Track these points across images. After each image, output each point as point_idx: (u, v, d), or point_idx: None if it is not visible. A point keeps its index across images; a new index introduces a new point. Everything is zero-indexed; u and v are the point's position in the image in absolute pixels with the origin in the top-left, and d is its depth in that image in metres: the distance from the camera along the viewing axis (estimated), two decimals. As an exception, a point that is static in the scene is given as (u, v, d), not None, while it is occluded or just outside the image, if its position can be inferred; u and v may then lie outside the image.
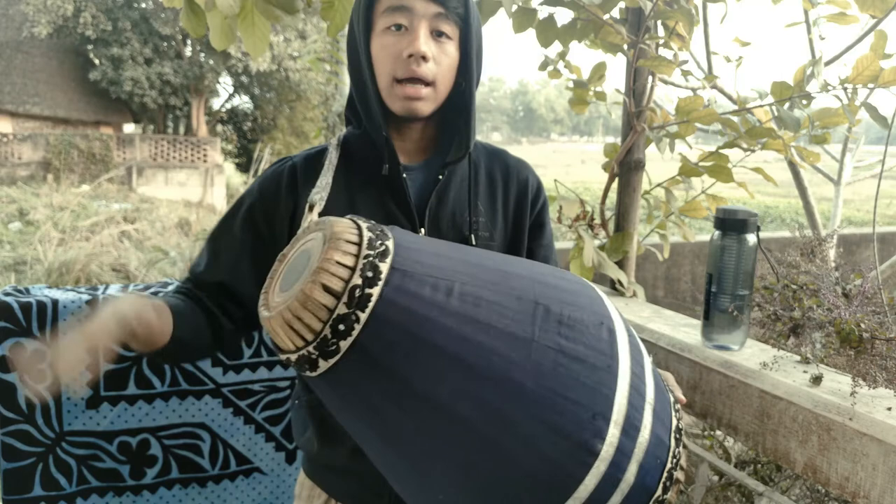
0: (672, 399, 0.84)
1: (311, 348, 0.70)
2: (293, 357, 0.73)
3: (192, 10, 1.61)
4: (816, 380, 1.08)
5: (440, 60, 0.96)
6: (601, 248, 1.77)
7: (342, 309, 0.68)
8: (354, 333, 0.69)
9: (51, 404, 1.25)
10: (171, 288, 1.16)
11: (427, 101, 0.97)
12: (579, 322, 0.75)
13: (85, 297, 1.27)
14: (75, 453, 1.28)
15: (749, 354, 1.23)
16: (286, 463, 1.46)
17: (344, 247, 0.71)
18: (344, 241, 0.71)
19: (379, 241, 0.73)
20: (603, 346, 0.75)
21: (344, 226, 0.74)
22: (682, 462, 0.81)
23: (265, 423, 1.42)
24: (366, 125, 1.01)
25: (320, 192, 0.98)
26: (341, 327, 0.69)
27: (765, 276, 1.28)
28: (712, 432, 1.71)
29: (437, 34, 0.96)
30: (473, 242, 1.02)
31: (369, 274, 0.69)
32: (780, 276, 1.25)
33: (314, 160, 1.05)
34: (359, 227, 0.74)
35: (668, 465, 0.78)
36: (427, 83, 0.96)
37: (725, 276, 1.21)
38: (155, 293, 1.32)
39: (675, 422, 0.81)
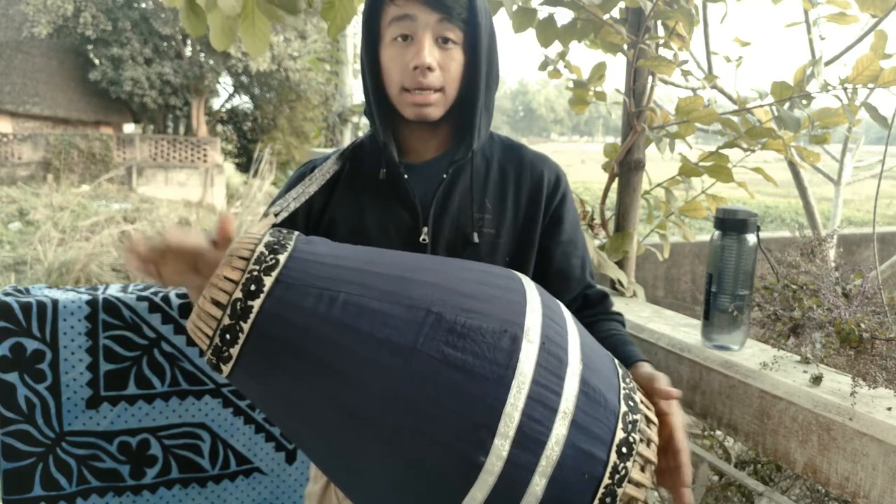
0: (622, 410, 0.79)
1: (210, 354, 0.78)
2: (206, 359, 0.80)
3: (192, 10, 1.61)
4: (816, 380, 1.08)
5: (447, 66, 0.98)
6: (601, 248, 1.77)
7: (226, 320, 0.76)
8: (240, 342, 0.76)
9: (51, 404, 1.25)
10: None
11: (437, 106, 1.00)
12: (474, 330, 0.75)
13: (85, 297, 1.27)
14: (75, 453, 1.28)
15: (749, 354, 1.23)
16: (286, 463, 1.46)
17: (234, 262, 0.78)
18: (235, 258, 0.78)
19: (271, 256, 0.78)
20: (498, 355, 0.74)
21: (243, 242, 0.81)
22: (637, 477, 0.77)
23: (265, 423, 1.42)
24: (372, 128, 1.06)
25: (286, 203, 1.01)
26: (228, 336, 0.76)
27: (765, 276, 1.28)
28: (712, 432, 1.71)
29: (443, 41, 0.97)
30: (476, 240, 1.02)
31: (252, 287, 0.76)
32: (780, 276, 1.25)
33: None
34: (257, 243, 0.80)
35: (607, 481, 0.75)
36: (435, 90, 0.98)
37: (725, 276, 1.21)
38: (155, 293, 1.32)
39: (619, 435, 0.77)
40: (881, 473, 0.95)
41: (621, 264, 1.76)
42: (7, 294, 1.24)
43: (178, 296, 1.33)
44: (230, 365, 0.77)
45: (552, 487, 0.73)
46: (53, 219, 9.71)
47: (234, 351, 0.76)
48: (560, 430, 0.74)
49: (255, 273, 0.76)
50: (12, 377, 1.22)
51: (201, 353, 0.82)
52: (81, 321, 1.26)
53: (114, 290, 1.33)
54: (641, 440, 0.79)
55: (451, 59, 0.98)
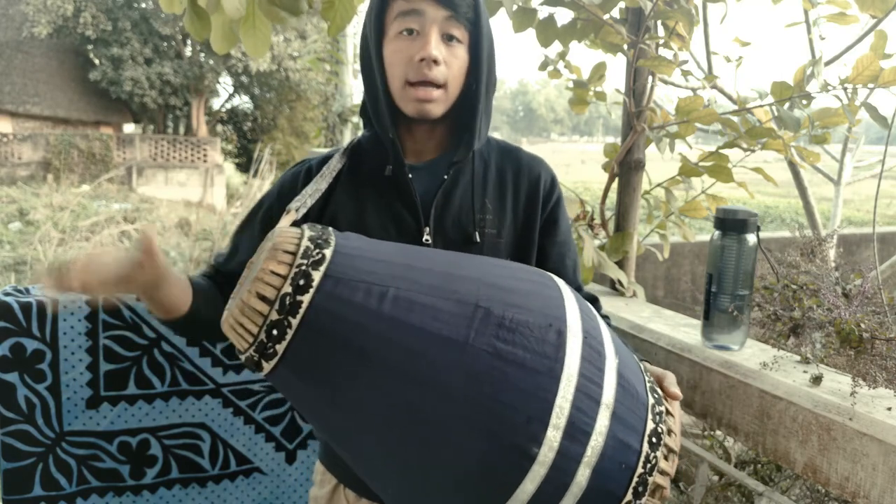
0: (650, 402, 0.82)
1: (252, 351, 0.76)
2: (243, 357, 0.78)
3: (195, 14, 1.61)
4: (816, 380, 1.08)
5: (451, 64, 0.99)
6: (601, 248, 1.77)
7: (274, 315, 0.74)
8: (287, 338, 0.75)
9: (51, 404, 1.25)
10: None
11: (438, 103, 1.00)
12: (522, 324, 0.76)
13: (85, 296, 1.27)
14: (75, 453, 1.28)
15: (749, 354, 1.23)
16: (286, 463, 1.46)
17: (280, 257, 0.77)
18: (281, 252, 0.77)
19: (317, 250, 0.77)
20: (546, 348, 0.75)
21: (285, 236, 0.79)
22: (664, 466, 0.79)
23: (265, 423, 1.42)
24: (376, 127, 1.05)
25: (304, 199, 1.01)
26: (275, 332, 0.74)
27: (765, 276, 1.28)
28: (712, 432, 1.71)
29: (448, 38, 0.98)
30: (478, 240, 1.03)
31: (301, 282, 0.75)
32: (780, 276, 1.25)
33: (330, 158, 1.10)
34: (300, 237, 0.79)
35: (640, 471, 0.77)
36: (438, 86, 0.98)
37: (725, 276, 1.21)
38: (155, 293, 1.32)
39: (650, 426, 0.79)
40: (881, 473, 0.95)
41: (621, 264, 1.76)
42: (7, 294, 1.24)
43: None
44: (274, 361, 0.76)
45: (595, 477, 0.75)
46: (53, 219, 9.71)
47: (281, 347, 0.75)
48: (603, 421, 0.76)
49: (304, 267, 0.75)
50: (12, 377, 1.22)
51: (237, 352, 0.81)
52: (81, 321, 1.26)
53: (114, 290, 1.33)
54: (667, 431, 0.82)
55: (455, 57, 0.99)
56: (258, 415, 1.41)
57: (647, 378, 0.85)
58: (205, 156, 18.82)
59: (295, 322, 0.74)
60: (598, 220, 1.85)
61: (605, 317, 1.13)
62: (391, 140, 1.02)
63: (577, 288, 1.13)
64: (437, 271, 0.80)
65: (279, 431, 1.44)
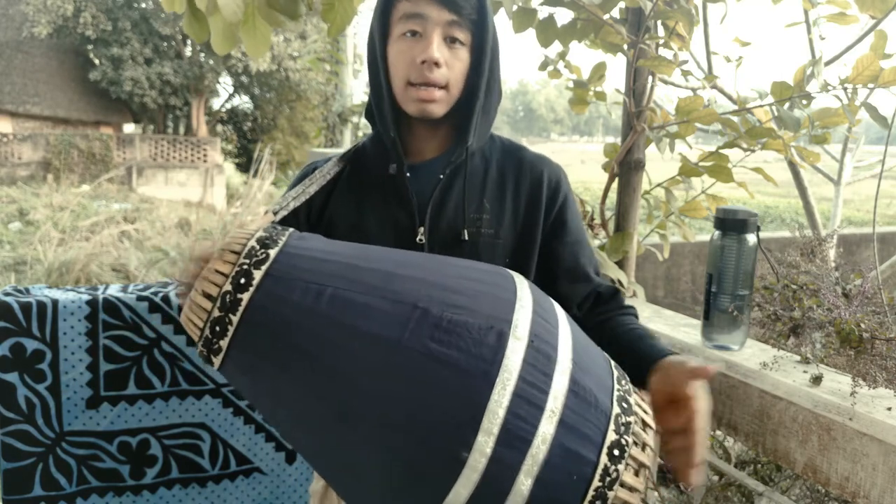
0: (615, 412, 0.77)
1: (201, 346, 0.80)
2: (197, 351, 0.82)
3: (194, 15, 1.61)
4: (816, 380, 1.08)
5: (453, 65, 1.00)
6: (601, 248, 1.77)
7: (216, 312, 0.77)
8: (229, 334, 0.77)
9: (51, 404, 1.25)
10: None
11: (440, 104, 1.01)
12: (460, 325, 0.75)
13: (85, 297, 1.27)
14: (75, 453, 1.28)
15: (749, 354, 1.23)
16: (286, 463, 1.46)
17: (226, 256, 0.80)
18: (227, 252, 0.80)
19: (262, 250, 0.80)
20: (483, 351, 0.74)
21: (235, 237, 0.82)
22: (630, 481, 0.75)
23: (265, 423, 1.42)
24: (379, 126, 1.06)
25: (286, 202, 1.02)
26: (217, 329, 0.78)
27: (765, 276, 1.28)
28: (712, 432, 1.71)
29: (451, 40, 0.99)
30: (466, 238, 1.03)
31: (241, 280, 0.78)
32: (780, 276, 1.25)
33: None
34: (249, 238, 0.82)
35: (597, 484, 0.73)
36: (440, 86, 1.00)
37: (725, 276, 1.21)
38: (155, 293, 1.32)
39: (611, 437, 0.75)
40: (881, 473, 0.95)
41: (621, 264, 1.76)
42: (7, 294, 1.24)
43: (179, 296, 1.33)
44: (220, 357, 0.78)
45: (539, 487, 0.72)
46: (53, 219, 9.71)
47: (224, 343, 0.77)
48: (547, 428, 0.73)
49: (245, 267, 0.78)
50: (12, 377, 1.22)
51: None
52: (81, 321, 1.26)
53: (114, 290, 1.33)
54: (636, 443, 0.77)
55: (458, 59, 1.00)
56: (258, 415, 1.41)
57: (618, 386, 0.81)
58: (205, 156, 18.81)
59: (235, 319, 0.77)
60: (598, 220, 1.85)
61: (630, 307, 1.10)
62: (392, 139, 1.03)
63: (597, 283, 1.11)
64: (382, 271, 0.81)
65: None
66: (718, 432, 1.55)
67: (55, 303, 1.24)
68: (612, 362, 0.87)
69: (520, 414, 0.72)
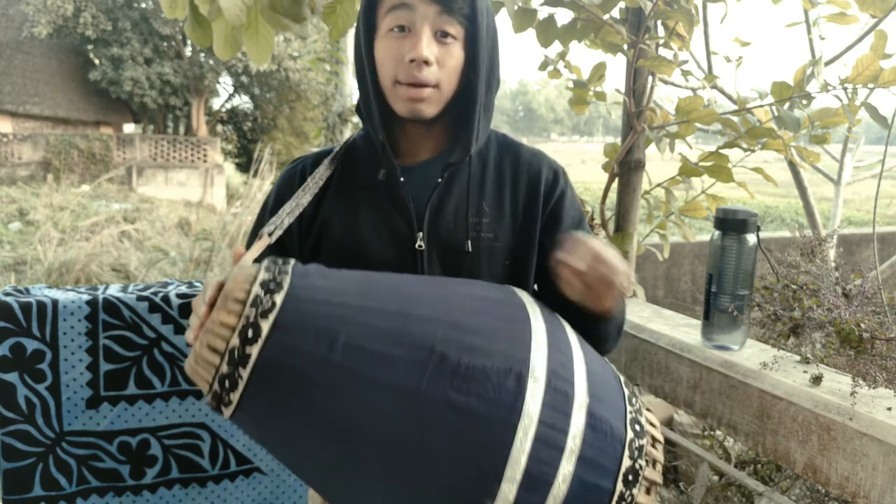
0: (629, 437, 0.78)
1: (210, 398, 0.76)
2: (206, 401, 0.78)
3: (197, 21, 1.60)
4: (816, 380, 1.08)
5: (444, 62, 0.94)
6: (601, 248, 1.77)
7: (224, 368, 0.73)
8: (240, 389, 0.73)
9: (51, 404, 1.25)
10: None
11: (431, 103, 0.95)
12: (479, 371, 0.73)
13: (85, 297, 1.27)
14: (75, 453, 1.28)
15: (749, 354, 1.23)
16: (286, 463, 1.47)
17: (230, 306, 0.74)
18: (231, 300, 0.75)
19: (267, 296, 0.74)
20: (504, 396, 0.73)
21: (237, 281, 0.76)
22: (643, 500, 0.77)
23: (265, 423, 1.42)
24: (368, 127, 1.01)
25: (281, 219, 0.97)
26: (227, 384, 0.74)
27: (765, 276, 1.28)
28: (712, 432, 1.71)
29: (442, 35, 0.93)
30: (469, 249, 0.99)
31: (249, 334, 0.73)
32: (780, 276, 1.25)
33: (324, 158, 1.06)
34: (252, 281, 0.76)
35: None
36: (431, 86, 0.94)
37: (725, 276, 1.21)
38: (155, 293, 1.32)
39: (626, 463, 0.77)
40: (881, 473, 0.95)
41: (621, 264, 1.76)
42: (7, 294, 1.24)
43: (178, 296, 1.33)
44: (231, 409, 0.75)
45: None
46: (53, 219, 9.71)
47: (235, 397, 0.74)
48: (567, 467, 0.73)
49: (252, 318, 0.73)
50: (12, 377, 1.22)
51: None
52: (81, 321, 1.26)
53: (114, 290, 1.33)
54: (648, 463, 0.79)
55: (450, 56, 0.94)
56: (258, 415, 1.41)
57: (630, 408, 0.82)
58: (205, 156, 18.81)
59: (245, 374, 0.73)
60: (598, 220, 1.85)
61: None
62: (381, 143, 0.98)
63: None
64: (393, 311, 0.77)
65: (279, 431, 1.44)
66: (718, 432, 1.55)
67: (55, 303, 1.24)
68: (622, 378, 0.87)
69: (541, 458, 0.72)
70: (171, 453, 1.36)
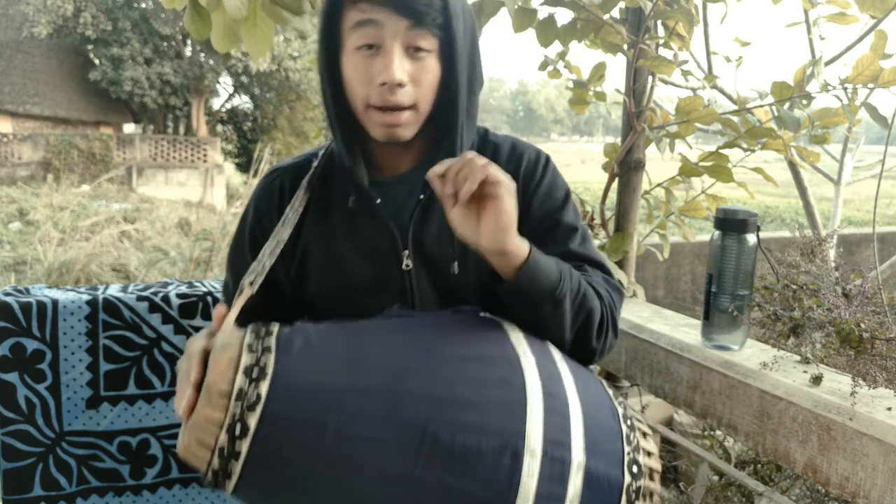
0: (626, 482, 0.78)
1: (206, 483, 0.76)
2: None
3: (197, 12, 1.60)
4: (816, 380, 1.08)
5: (420, 80, 0.87)
6: (601, 248, 1.77)
7: (216, 463, 0.73)
8: (234, 479, 0.73)
9: (51, 404, 1.25)
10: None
11: (408, 126, 0.89)
12: (473, 452, 0.72)
13: (85, 297, 1.27)
14: (75, 453, 1.28)
15: (749, 354, 1.23)
16: (286, 463, 1.46)
17: (215, 400, 0.73)
18: (216, 394, 0.73)
19: (252, 386, 0.73)
20: (499, 476, 0.72)
21: (220, 369, 0.74)
22: None
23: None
24: (338, 148, 0.95)
25: (261, 264, 0.89)
26: (220, 475, 0.74)
27: (765, 276, 1.29)
28: (712, 432, 1.71)
29: (415, 50, 0.86)
30: (455, 271, 0.94)
31: (237, 430, 0.72)
32: (780, 276, 1.25)
33: (302, 174, 1.00)
34: (235, 369, 0.74)
35: None
36: (407, 108, 0.87)
37: (725, 276, 1.21)
38: (155, 293, 1.32)
39: None
40: (881, 473, 0.95)
41: (621, 264, 1.76)
42: (7, 294, 1.24)
43: (178, 296, 1.33)
44: (230, 489, 0.75)
45: None
46: (53, 219, 9.71)
47: (230, 485, 0.74)
48: None
49: (238, 414, 0.72)
50: (12, 377, 1.22)
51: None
52: (81, 321, 1.26)
53: (114, 290, 1.33)
54: (645, 498, 0.80)
55: (425, 71, 0.87)
56: (258, 415, 1.41)
57: (627, 449, 0.81)
58: (205, 156, 18.82)
59: (237, 468, 0.73)
60: (598, 220, 1.85)
61: (614, 288, 0.98)
62: (349, 167, 0.92)
63: (594, 263, 0.98)
64: (384, 390, 0.75)
65: (279, 431, 1.44)
66: (718, 432, 1.55)
67: (55, 303, 1.24)
68: (620, 412, 0.85)
69: None
70: (171, 453, 1.36)
